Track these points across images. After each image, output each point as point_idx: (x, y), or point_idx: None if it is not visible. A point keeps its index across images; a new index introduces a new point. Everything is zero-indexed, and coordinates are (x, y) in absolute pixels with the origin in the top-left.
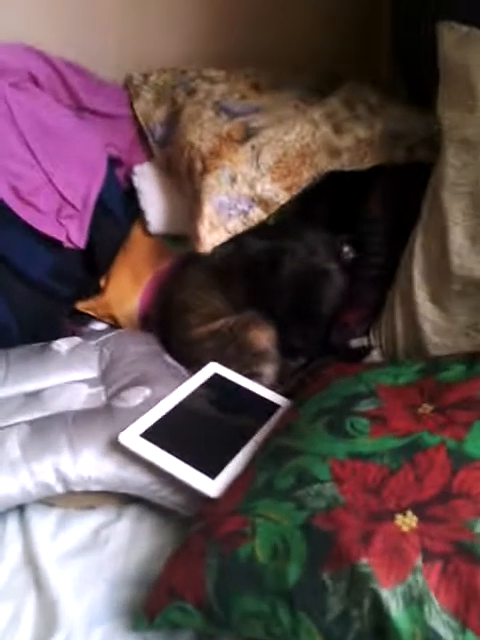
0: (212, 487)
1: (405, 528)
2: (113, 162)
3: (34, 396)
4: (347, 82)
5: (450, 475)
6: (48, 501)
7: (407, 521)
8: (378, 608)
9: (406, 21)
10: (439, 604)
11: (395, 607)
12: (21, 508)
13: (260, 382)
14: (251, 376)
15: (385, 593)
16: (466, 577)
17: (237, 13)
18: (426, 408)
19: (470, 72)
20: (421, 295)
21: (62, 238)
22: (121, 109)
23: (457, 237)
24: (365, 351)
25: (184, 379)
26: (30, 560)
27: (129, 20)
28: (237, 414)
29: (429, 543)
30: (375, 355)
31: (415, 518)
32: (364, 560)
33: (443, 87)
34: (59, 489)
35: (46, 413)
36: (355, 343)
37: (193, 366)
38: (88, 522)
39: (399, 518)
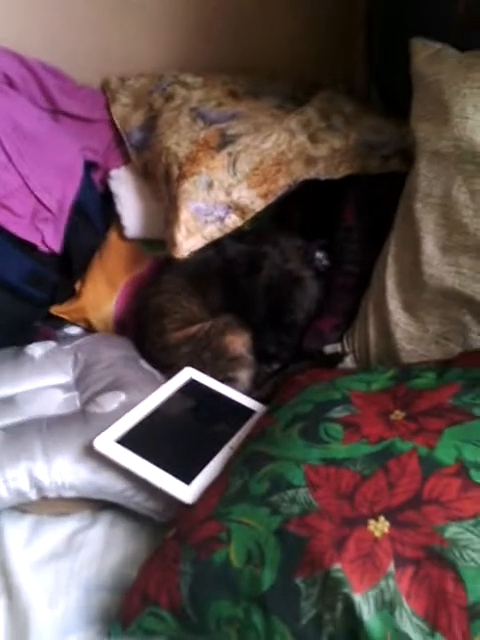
0: (187, 493)
1: (377, 533)
2: (89, 166)
3: (8, 401)
4: (323, 91)
5: (421, 481)
6: (21, 507)
7: (379, 526)
8: (350, 612)
9: (380, 36)
10: (410, 608)
11: (367, 611)
12: None
13: (235, 387)
14: (226, 381)
15: (357, 598)
16: (436, 581)
17: (217, 20)
18: (398, 415)
19: (442, 88)
20: (393, 303)
21: (37, 242)
22: (98, 113)
23: (428, 247)
24: (339, 357)
25: (160, 384)
26: (2, 567)
27: (108, 24)
28: (212, 419)
29: (401, 548)
30: (348, 361)
31: (387, 523)
32: (337, 565)
33: (416, 101)
34: (33, 495)
35: (20, 418)
36: (329, 349)
37: (169, 371)
38: (62, 528)
39: (371, 523)
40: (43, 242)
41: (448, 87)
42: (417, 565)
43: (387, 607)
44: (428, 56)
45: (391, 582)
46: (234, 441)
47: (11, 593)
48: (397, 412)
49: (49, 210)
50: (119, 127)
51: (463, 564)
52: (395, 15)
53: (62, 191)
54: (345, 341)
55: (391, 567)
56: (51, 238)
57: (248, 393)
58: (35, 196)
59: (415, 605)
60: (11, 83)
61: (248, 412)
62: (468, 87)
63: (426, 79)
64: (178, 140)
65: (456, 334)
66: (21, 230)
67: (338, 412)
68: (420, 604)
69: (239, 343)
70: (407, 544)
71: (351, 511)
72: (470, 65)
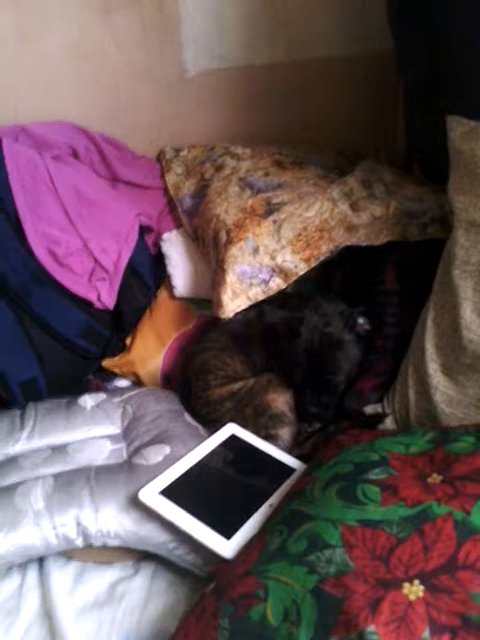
0: (227, 548)
1: (412, 597)
2: (144, 229)
3: (59, 449)
4: (364, 161)
5: (456, 546)
6: (67, 554)
7: (414, 590)
8: None
9: (418, 113)
10: None
11: None
12: (40, 560)
13: (276, 444)
14: (268, 438)
15: None
16: None
17: (263, 95)
18: (436, 478)
19: (477, 163)
20: (433, 366)
21: (94, 299)
22: (153, 181)
23: (467, 313)
24: (379, 418)
25: (203, 438)
26: (47, 613)
27: (163, 101)
28: (253, 475)
29: (436, 614)
30: (389, 422)
31: (422, 587)
32: (371, 628)
33: (453, 173)
34: (79, 542)
35: (70, 467)
36: (369, 410)
37: (212, 426)
38: (105, 577)
39: (406, 587)
40: (99, 299)
41: None
42: (453, 633)
43: None
44: (464, 133)
45: None
46: (274, 498)
47: (55, 639)
48: (434, 476)
49: (105, 270)
50: (172, 194)
51: None
52: (431, 91)
53: (118, 253)
54: (385, 402)
55: (426, 633)
56: (106, 296)
57: (289, 450)
58: (94, 257)
59: None
60: (75, 154)
61: (288, 469)
62: None
63: (463, 154)
64: (227, 208)
65: None
66: (79, 288)
67: (376, 474)
68: None
69: (281, 401)
70: (442, 610)
71: (386, 573)
72: None
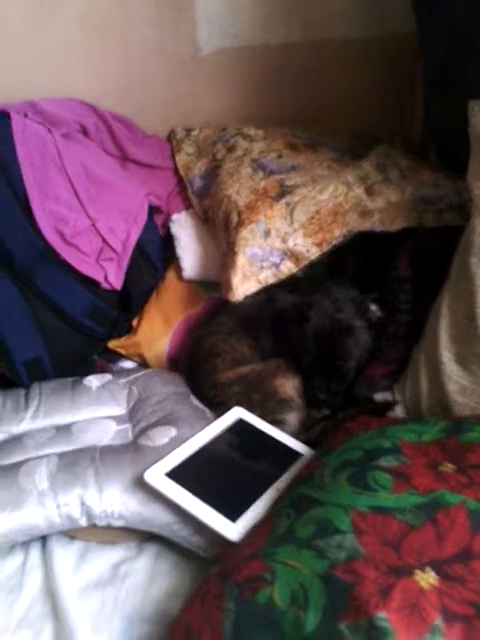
0: (233, 531)
1: (424, 584)
2: (153, 210)
3: (64, 429)
4: (380, 145)
5: (470, 536)
6: (70, 533)
7: (426, 578)
8: None
9: (438, 96)
10: None
11: None
12: (43, 539)
13: (283, 429)
14: (275, 423)
15: None
16: None
17: (277, 76)
18: (448, 467)
19: None
20: (446, 355)
21: (100, 279)
22: (163, 160)
23: None
24: (389, 406)
25: (209, 421)
26: (50, 590)
27: (176, 79)
28: (259, 459)
29: (449, 602)
30: (398, 410)
31: (434, 575)
32: (382, 614)
33: (474, 159)
34: (83, 522)
35: (75, 446)
36: (379, 397)
37: (218, 409)
38: (108, 557)
39: (418, 574)
40: (106, 279)
41: None
42: (467, 622)
43: None
44: None
45: (438, 637)
46: (280, 482)
47: (58, 617)
48: (447, 464)
49: (113, 250)
50: (182, 174)
51: None
52: (453, 75)
53: (126, 233)
54: (395, 390)
55: (438, 621)
56: (113, 276)
57: (295, 436)
58: (101, 236)
59: None
60: (85, 131)
61: (295, 454)
62: None
63: None
64: (239, 189)
65: None
66: (86, 267)
67: (388, 461)
68: None
69: (289, 386)
70: (455, 599)
71: (397, 560)
72: None
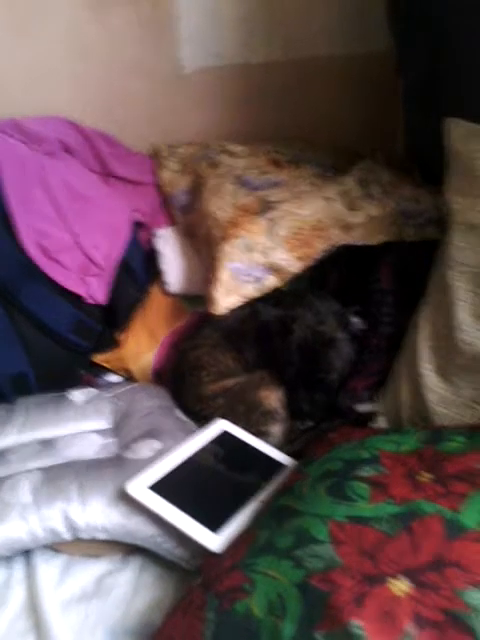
0: (215, 542)
1: (397, 592)
2: (137, 225)
3: (49, 444)
4: (362, 161)
5: (444, 544)
6: (55, 547)
7: (399, 585)
8: None
9: (417, 113)
10: None
11: None
12: (27, 553)
13: (268, 441)
14: (259, 434)
15: None
16: None
17: (260, 93)
18: (425, 476)
19: (475, 164)
20: (426, 367)
21: (84, 294)
22: (147, 177)
23: (461, 314)
24: (371, 417)
25: (194, 434)
26: (33, 605)
27: (158, 97)
28: (243, 471)
29: (421, 609)
30: (381, 421)
31: (408, 583)
32: (356, 621)
33: (451, 174)
34: (67, 536)
35: (59, 461)
36: (362, 408)
37: (203, 422)
38: (92, 570)
39: (392, 582)
40: (90, 294)
41: None
42: (439, 629)
43: None
44: (462, 134)
45: None
46: (263, 494)
47: (39, 631)
48: (424, 474)
49: (97, 266)
50: (166, 191)
51: None
52: (430, 92)
53: (109, 248)
54: (377, 401)
55: (410, 627)
56: (97, 291)
57: (279, 447)
58: (85, 252)
59: None
60: (68, 149)
61: (279, 466)
62: None
63: (461, 156)
64: (222, 205)
65: None
66: (70, 283)
67: (366, 471)
68: None
69: (273, 398)
70: (428, 606)
71: (373, 569)
72: None
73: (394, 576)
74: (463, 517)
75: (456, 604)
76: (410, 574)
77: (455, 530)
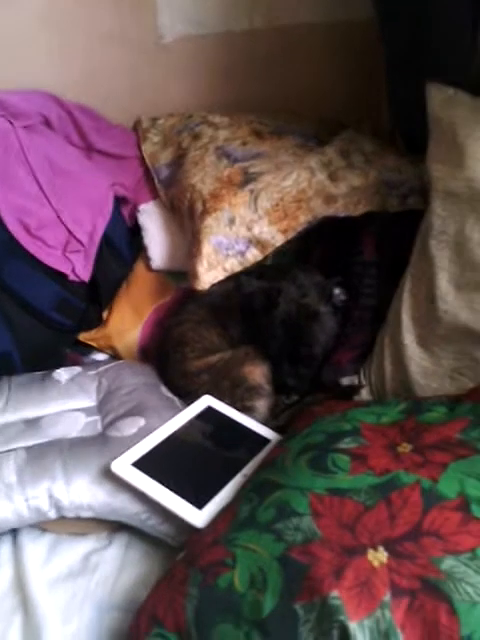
0: (199, 517)
1: (376, 563)
2: (119, 200)
3: (33, 423)
4: (345, 131)
5: (422, 514)
6: (41, 526)
7: (378, 556)
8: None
9: (400, 79)
10: (404, 639)
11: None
12: (14, 532)
13: (252, 416)
14: (244, 410)
15: (353, 625)
16: (431, 613)
17: (243, 63)
18: (405, 447)
19: (456, 130)
20: (408, 338)
21: (68, 271)
22: (129, 150)
23: (442, 283)
24: (355, 389)
25: (179, 411)
26: (20, 584)
27: (140, 68)
28: (228, 447)
29: (397, 579)
30: (365, 394)
31: (386, 554)
32: (335, 593)
33: (432, 142)
34: (52, 514)
35: (44, 440)
36: (346, 381)
37: (189, 398)
38: (79, 548)
39: (371, 553)
40: (73, 271)
41: (462, 130)
42: (413, 596)
43: (382, 637)
44: (443, 100)
45: (386, 612)
46: (248, 469)
47: (27, 609)
48: (404, 445)
49: (80, 242)
50: (148, 164)
51: (458, 597)
52: (414, 58)
53: (92, 224)
54: (362, 374)
55: (387, 597)
56: (81, 268)
57: (265, 422)
58: (67, 228)
59: (410, 636)
60: (48, 123)
61: (264, 441)
62: None
63: (441, 122)
64: (203, 177)
65: (470, 370)
66: (53, 260)
67: (347, 443)
68: (414, 635)
69: (258, 373)
70: (403, 575)
71: (351, 540)
72: None
73: (373, 547)
74: (442, 487)
75: (432, 571)
76: (388, 544)
77: (433, 499)
